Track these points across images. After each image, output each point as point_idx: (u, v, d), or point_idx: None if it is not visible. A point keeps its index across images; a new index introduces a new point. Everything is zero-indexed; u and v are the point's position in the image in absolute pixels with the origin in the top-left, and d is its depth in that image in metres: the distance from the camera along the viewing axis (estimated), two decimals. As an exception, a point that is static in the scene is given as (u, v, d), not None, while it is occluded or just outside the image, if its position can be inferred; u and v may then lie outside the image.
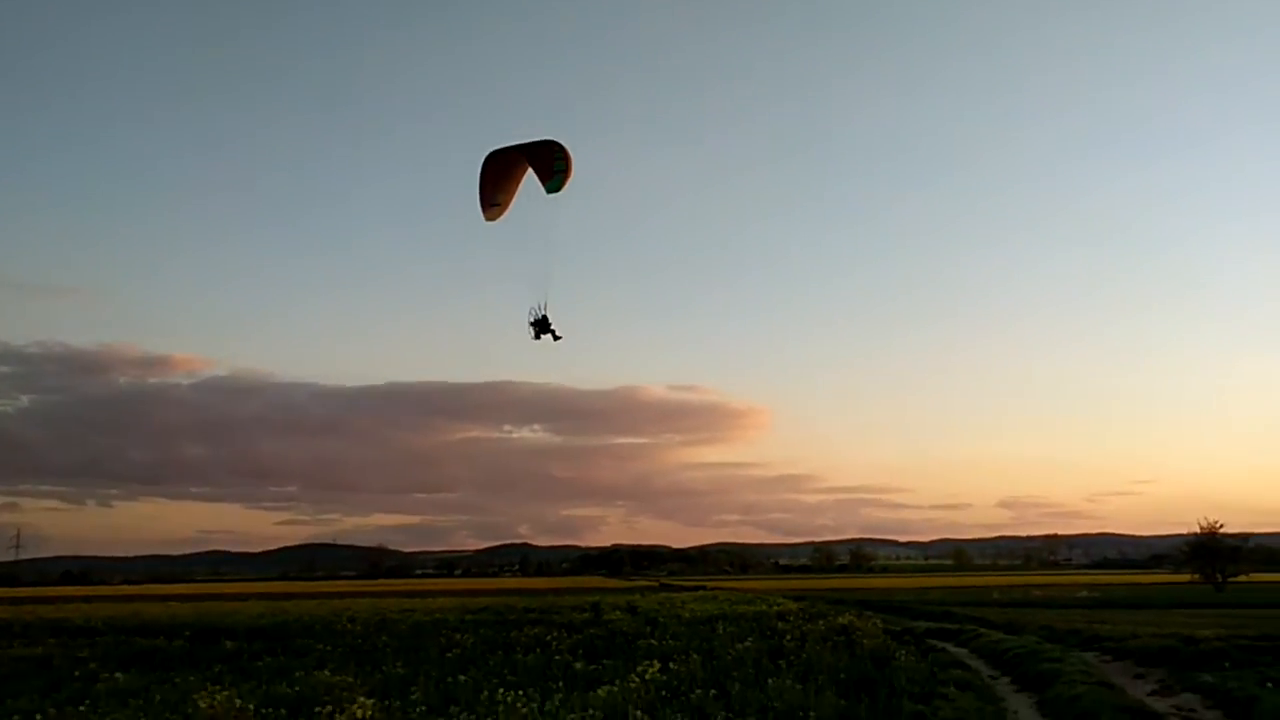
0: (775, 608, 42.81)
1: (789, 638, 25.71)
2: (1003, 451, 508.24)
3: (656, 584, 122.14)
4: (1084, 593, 73.59)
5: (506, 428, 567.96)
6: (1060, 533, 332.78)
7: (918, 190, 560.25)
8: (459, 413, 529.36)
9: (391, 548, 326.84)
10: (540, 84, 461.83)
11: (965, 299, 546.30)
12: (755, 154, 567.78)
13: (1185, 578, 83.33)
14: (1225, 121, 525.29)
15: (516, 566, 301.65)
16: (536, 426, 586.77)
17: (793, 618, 34.67)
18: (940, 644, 29.31)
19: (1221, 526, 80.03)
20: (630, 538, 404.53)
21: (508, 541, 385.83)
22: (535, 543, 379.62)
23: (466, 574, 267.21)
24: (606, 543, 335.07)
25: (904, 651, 23.33)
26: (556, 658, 21.69)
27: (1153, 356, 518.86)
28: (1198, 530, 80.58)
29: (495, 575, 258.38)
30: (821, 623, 31.18)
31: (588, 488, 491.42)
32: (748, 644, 23.46)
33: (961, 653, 27.40)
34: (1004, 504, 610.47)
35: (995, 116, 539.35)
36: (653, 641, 25.14)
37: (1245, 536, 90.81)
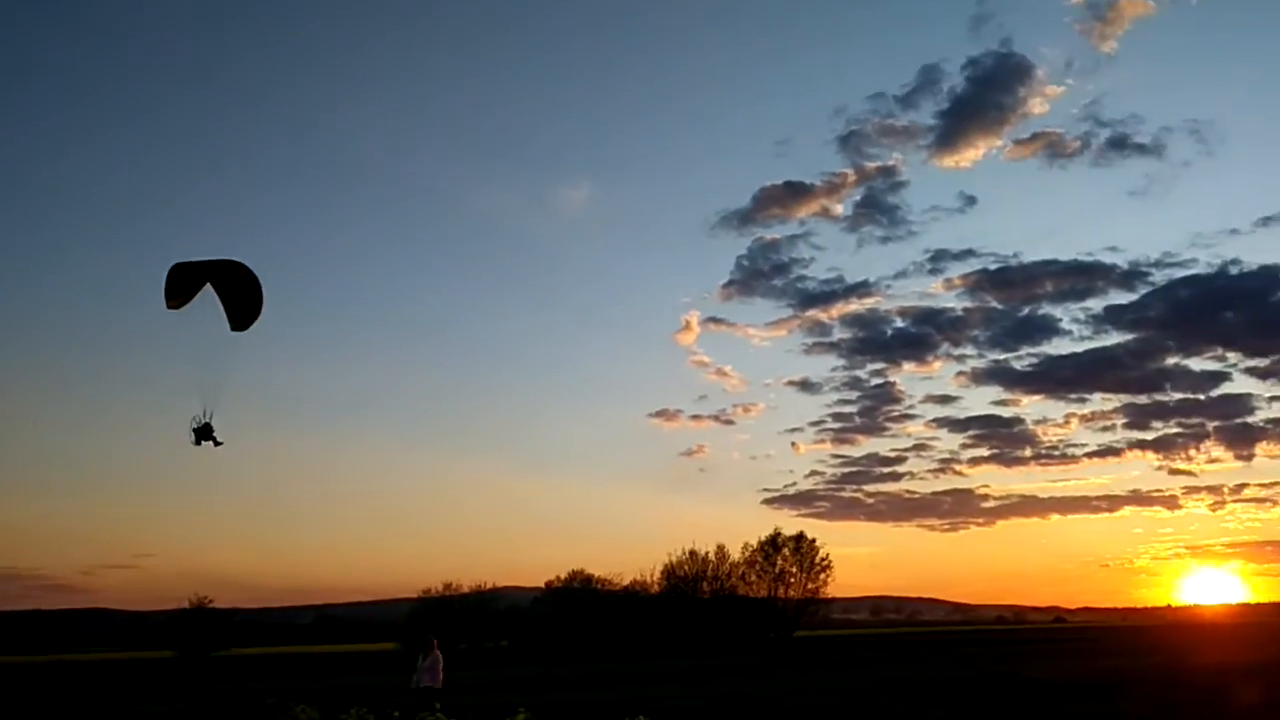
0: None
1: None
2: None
3: None
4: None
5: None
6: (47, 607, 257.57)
7: None
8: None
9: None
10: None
11: None
12: None
13: (167, 653, 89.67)
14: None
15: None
16: None
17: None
18: None
19: (211, 601, 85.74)
20: None
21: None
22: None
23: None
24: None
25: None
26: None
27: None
28: (187, 604, 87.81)
29: None
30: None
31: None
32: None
33: None
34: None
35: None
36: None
37: (235, 611, 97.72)
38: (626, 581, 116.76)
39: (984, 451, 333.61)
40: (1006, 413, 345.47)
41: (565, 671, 63.03)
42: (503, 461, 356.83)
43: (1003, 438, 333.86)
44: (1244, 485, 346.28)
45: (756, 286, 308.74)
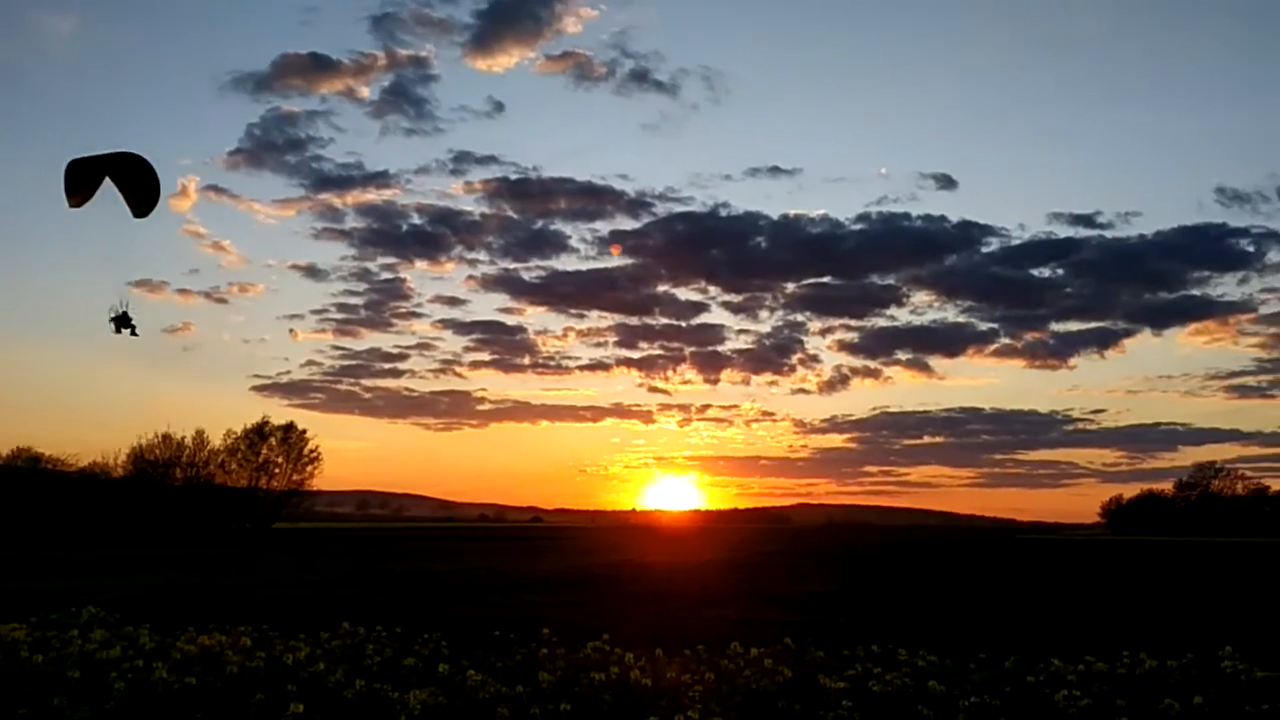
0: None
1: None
2: None
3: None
4: None
5: None
6: None
7: None
8: None
9: None
10: None
11: None
12: None
13: None
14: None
15: None
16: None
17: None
18: None
19: None
20: None
21: None
22: None
23: None
24: None
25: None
26: None
27: None
28: None
29: None
30: None
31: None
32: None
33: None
34: None
35: None
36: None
37: None
38: (85, 463, 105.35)
39: (485, 356, 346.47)
40: (511, 320, 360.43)
41: (4, 558, 54.29)
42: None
43: (504, 344, 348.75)
44: (708, 405, 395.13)
45: (267, 160, 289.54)
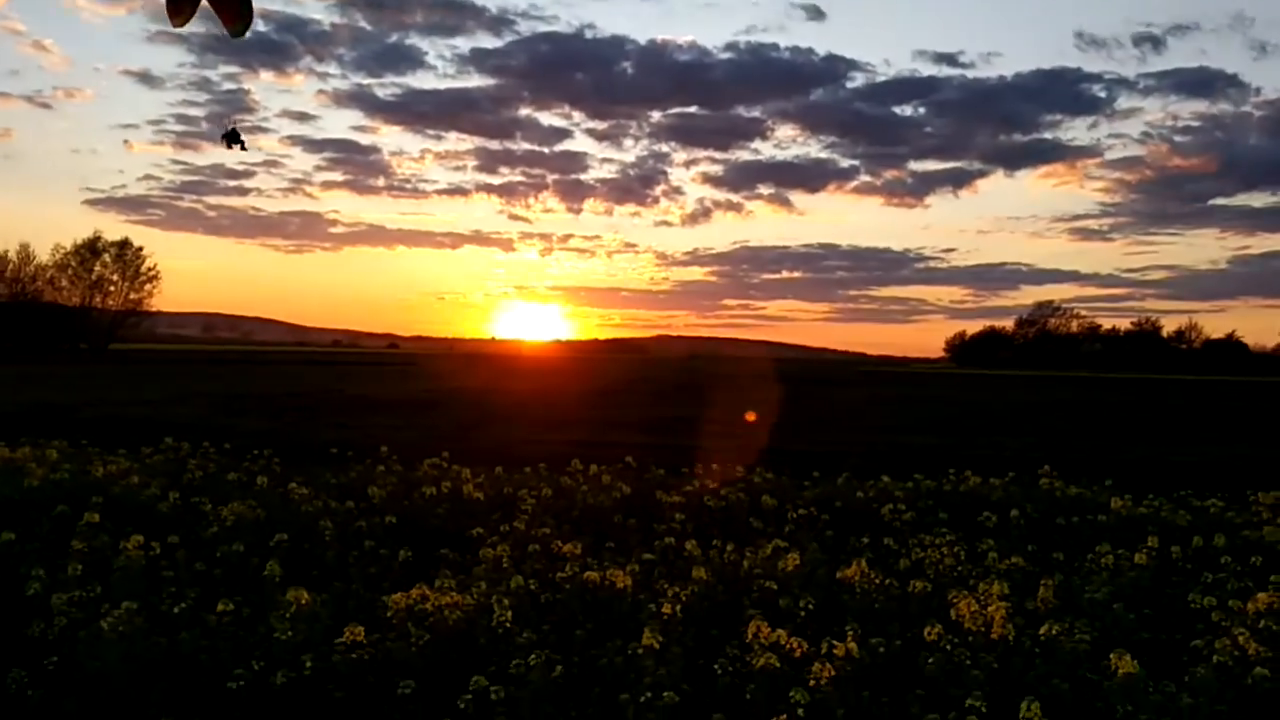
0: None
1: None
2: None
3: None
4: None
5: None
6: None
7: None
8: None
9: None
10: None
11: None
12: None
13: None
14: None
15: None
16: None
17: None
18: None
19: None
20: None
21: None
22: None
23: None
24: None
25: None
26: None
27: None
28: None
29: None
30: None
31: None
32: None
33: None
34: None
35: None
36: None
37: None
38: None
39: (337, 176, 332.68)
40: (365, 140, 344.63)
41: None
42: None
43: (358, 165, 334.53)
44: (570, 235, 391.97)
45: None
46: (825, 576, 7.47)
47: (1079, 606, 6.78)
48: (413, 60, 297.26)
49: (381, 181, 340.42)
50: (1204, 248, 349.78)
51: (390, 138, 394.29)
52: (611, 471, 13.14)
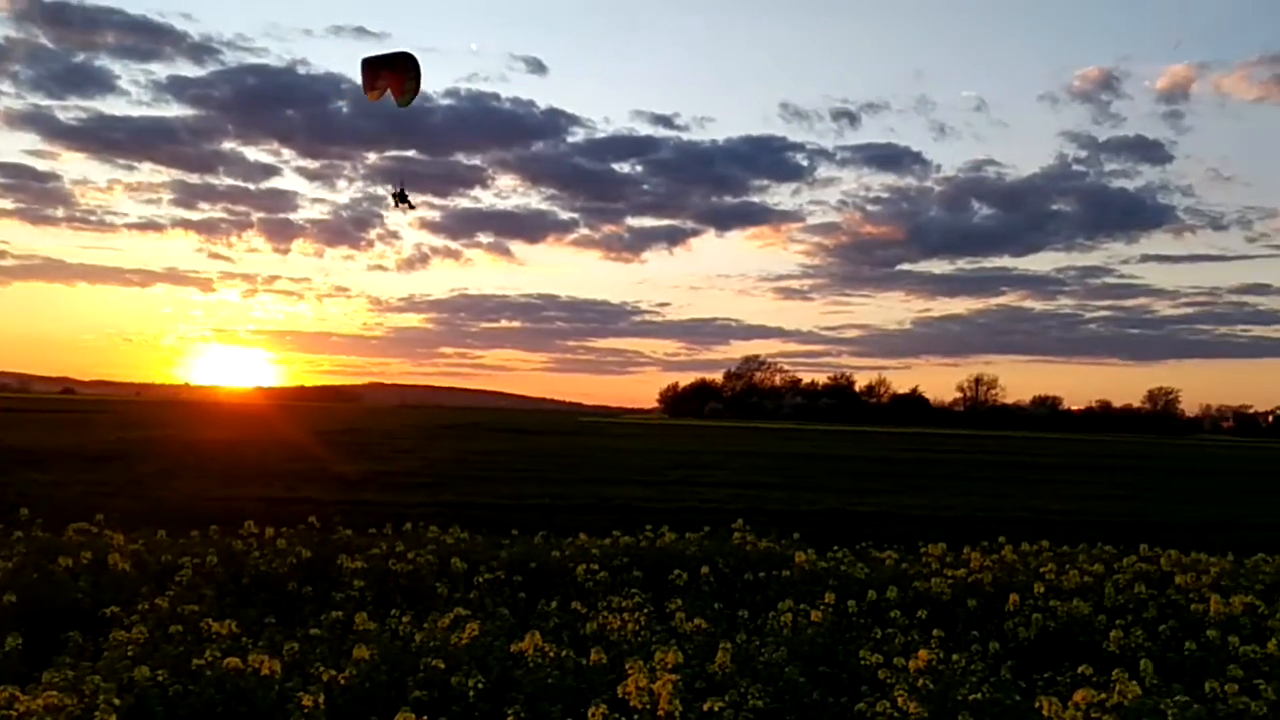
0: None
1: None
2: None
3: None
4: None
5: None
6: None
7: None
8: None
9: None
10: None
11: None
12: None
13: None
14: None
15: None
16: None
17: None
18: None
19: None
20: None
21: None
22: None
23: None
24: None
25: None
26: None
27: None
28: None
29: None
30: None
31: None
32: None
33: None
34: None
35: None
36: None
37: None
38: None
39: (8, 204, 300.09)
40: (42, 165, 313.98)
41: None
42: None
43: (34, 192, 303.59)
44: (276, 277, 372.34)
45: None
46: (503, 648, 7.00)
47: (756, 669, 6.71)
48: (101, 83, 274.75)
49: (61, 212, 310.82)
50: (891, 309, 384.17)
51: (73, 165, 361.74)
52: (292, 533, 12.10)
